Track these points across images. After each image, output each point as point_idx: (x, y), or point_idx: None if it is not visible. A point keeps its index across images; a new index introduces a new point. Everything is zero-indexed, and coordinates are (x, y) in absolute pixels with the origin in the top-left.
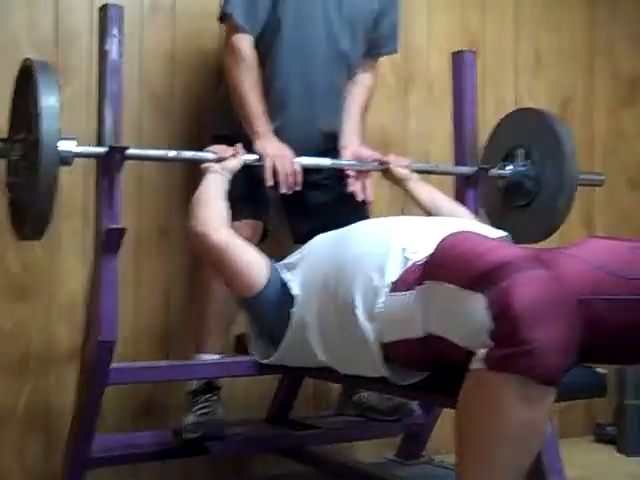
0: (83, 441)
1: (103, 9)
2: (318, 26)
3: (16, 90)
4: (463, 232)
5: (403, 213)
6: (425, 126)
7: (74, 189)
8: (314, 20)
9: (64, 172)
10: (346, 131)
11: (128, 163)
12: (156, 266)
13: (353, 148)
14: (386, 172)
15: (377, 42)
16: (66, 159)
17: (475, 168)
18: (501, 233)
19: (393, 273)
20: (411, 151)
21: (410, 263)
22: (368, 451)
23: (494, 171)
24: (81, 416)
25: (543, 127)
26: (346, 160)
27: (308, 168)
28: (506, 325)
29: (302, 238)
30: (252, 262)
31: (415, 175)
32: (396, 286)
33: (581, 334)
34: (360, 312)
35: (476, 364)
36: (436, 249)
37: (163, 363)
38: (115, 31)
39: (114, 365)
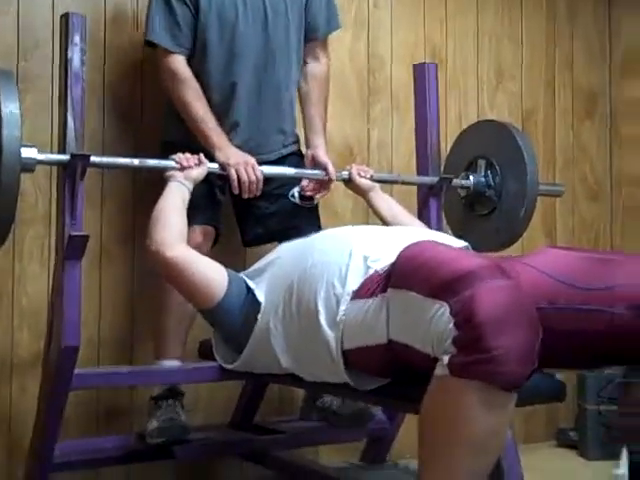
0: (46, 446)
1: (65, 17)
2: (247, 31)
3: None
4: (425, 241)
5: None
6: (388, 136)
7: (37, 194)
8: (239, 25)
9: (26, 177)
10: (310, 139)
11: (91, 168)
12: (119, 271)
13: (320, 157)
14: (349, 182)
15: (316, 25)
16: (28, 166)
17: (437, 178)
18: (461, 243)
19: (354, 281)
20: (374, 161)
21: (371, 271)
22: (332, 456)
23: (457, 181)
24: (44, 421)
25: (504, 138)
26: (310, 169)
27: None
28: (469, 333)
29: (252, 242)
30: (208, 275)
31: (377, 186)
32: (358, 294)
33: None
34: (323, 319)
35: (440, 370)
36: (398, 258)
37: (126, 369)
38: (77, 39)
39: (77, 370)
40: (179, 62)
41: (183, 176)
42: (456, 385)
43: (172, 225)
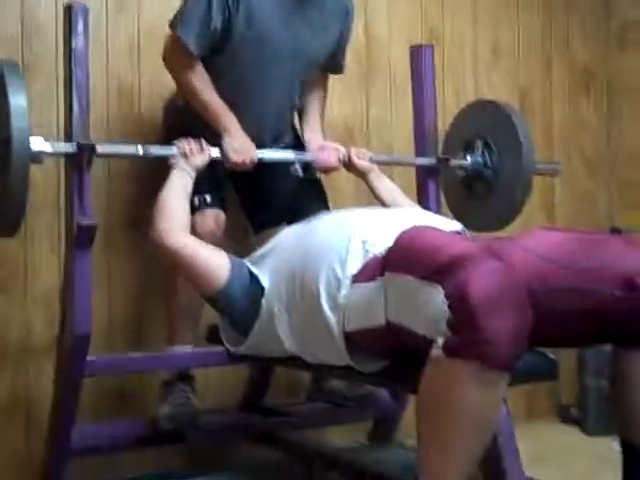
0: (63, 431)
1: (68, 8)
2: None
3: None
4: (421, 226)
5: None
6: (387, 116)
7: (47, 183)
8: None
9: (36, 166)
10: (309, 126)
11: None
12: (128, 258)
13: (317, 141)
14: (348, 164)
15: (330, 65)
16: (37, 157)
17: (435, 159)
18: (457, 226)
19: (354, 265)
20: (373, 141)
21: (370, 255)
22: (340, 436)
23: (454, 162)
24: (60, 407)
25: (500, 118)
26: (310, 154)
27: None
28: (462, 315)
29: (261, 228)
30: (210, 262)
31: (375, 167)
32: (357, 277)
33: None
34: (324, 302)
35: (435, 351)
36: (395, 242)
37: (137, 354)
38: (81, 28)
39: (89, 357)
40: (190, 57)
41: (186, 163)
42: (450, 365)
43: (174, 214)
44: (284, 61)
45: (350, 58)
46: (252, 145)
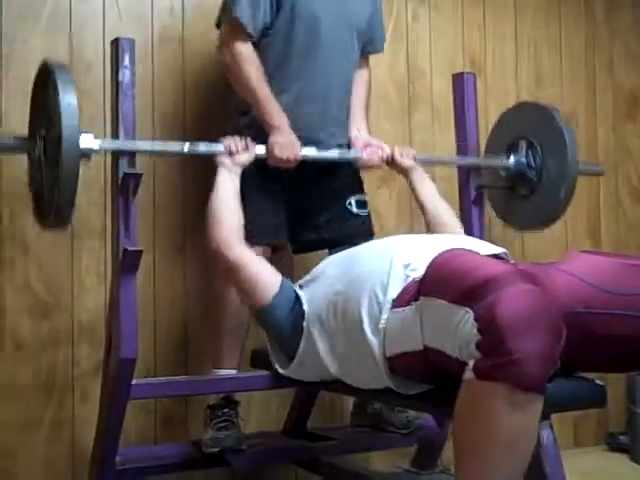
0: (107, 454)
1: (115, 42)
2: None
3: (35, 90)
4: (454, 249)
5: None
6: (429, 145)
7: (93, 210)
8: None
9: (81, 192)
10: (355, 122)
11: (142, 184)
12: (173, 282)
13: (363, 139)
14: (391, 162)
15: (370, 42)
16: (86, 153)
17: (478, 159)
18: (499, 249)
19: (395, 290)
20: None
21: (410, 280)
22: (383, 461)
23: (498, 162)
24: (105, 430)
25: (544, 119)
26: (354, 151)
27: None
28: (491, 337)
29: (302, 249)
30: (262, 275)
31: (419, 167)
32: (397, 302)
33: (570, 344)
34: (366, 326)
35: (467, 374)
36: (429, 266)
37: (182, 378)
38: (127, 62)
39: (135, 381)
40: (246, 41)
41: (231, 161)
42: (481, 388)
43: (230, 224)
44: (333, 32)
45: (393, 87)
46: (297, 142)
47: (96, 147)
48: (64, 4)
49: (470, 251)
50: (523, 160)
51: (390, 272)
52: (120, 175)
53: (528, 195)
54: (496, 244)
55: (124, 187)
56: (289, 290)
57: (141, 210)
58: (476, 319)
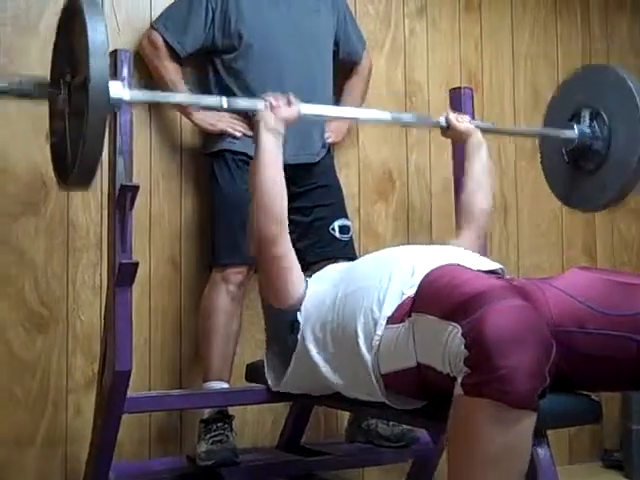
0: (101, 468)
1: (113, 54)
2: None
3: (59, 29)
4: (447, 265)
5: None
6: (427, 161)
7: (88, 224)
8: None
9: (78, 209)
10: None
11: (138, 198)
12: (167, 296)
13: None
14: (447, 129)
15: (347, 54)
16: (116, 103)
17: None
18: (495, 265)
19: (390, 307)
20: (413, 185)
21: (405, 297)
22: (378, 477)
23: (559, 133)
24: (99, 443)
25: (612, 84)
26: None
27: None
28: (478, 353)
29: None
30: (295, 279)
31: (478, 131)
32: (391, 320)
33: (564, 363)
34: (362, 342)
35: (456, 390)
36: (421, 283)
37: (176, 392)
38: (125, 74)
39: (130, 394)
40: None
41: (274, 119)
42: (469, 404)
43: (278, 211)
44: (290, 49)
45: (389, 101)
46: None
47: (127, 97)
48: None
49: (463, 267)
50: (587, 130)
51: (387, 289)
52: (117, 187)
53: (594, 170)
54: (492, 258)
55: (121, 199)
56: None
57: (138, 224)
58: (463, 335)
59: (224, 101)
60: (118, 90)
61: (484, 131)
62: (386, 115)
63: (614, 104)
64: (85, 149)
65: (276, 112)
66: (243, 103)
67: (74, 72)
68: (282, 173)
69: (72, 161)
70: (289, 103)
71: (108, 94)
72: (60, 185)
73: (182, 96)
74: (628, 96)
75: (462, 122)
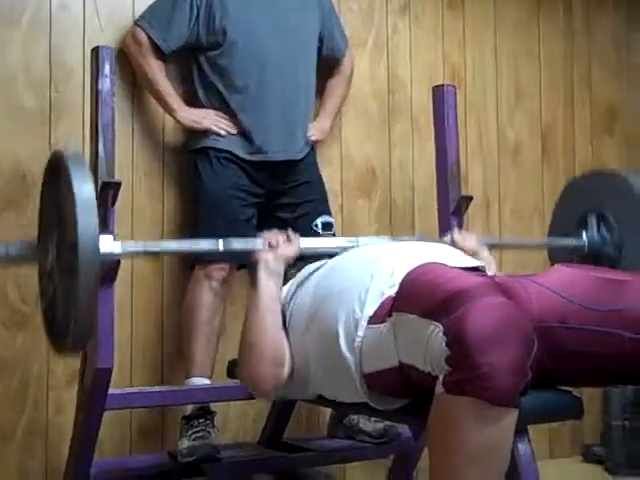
0: (82, 465)
1: (95, 50)
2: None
3: (44, 187)
4: (427, 264)
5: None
6: (410, 157)
7: None
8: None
9: None
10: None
11: (120, 191)
12: (149, 293)
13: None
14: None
15: (330, 51)
16: (107, 259)
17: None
18: (476, 262)
19: (371, 307)
20: (395, 181)
21: (386, 297)
22: (360, 473)
23: (569, 241)
24: (80, 441)
25: (618, 187)
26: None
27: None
28: (459, 351)
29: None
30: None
31: (484, 248)
32: (373, 319)
33: (546, 359)
34: (342, 343)
35: (438, 388)
36: (402, 282)
37: (157, 389)
38: (107, 70)
39: (111, 391)
40: (143, 35)
41: (273, 257)
42: (451, 402)
43: (271, 356)
44: (274, 46)
45: (372, 98)
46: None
47: (118, 251)
48: (44, 12)
49: (444, 265)
50: (596, 236)
51: (369, 288)
52: (99, 184)
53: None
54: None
55: (103, 196)
56: None
57: (119, 218)
58: (444, 333)
59: (220, 243)
60: (109, 246)
61: (490, 247)
62: (385, 238)
63: (619, 206)
64: (79, 313)
65: (277, 252)
66: (239, 245)
67: (62, 231)
68: (279, 317)
69: (65, 325)
70: (288, 239)
71: (98, 252)
72: (55, 350)
73: (176, 244)
74: (631, 196)
75: (468, 241)
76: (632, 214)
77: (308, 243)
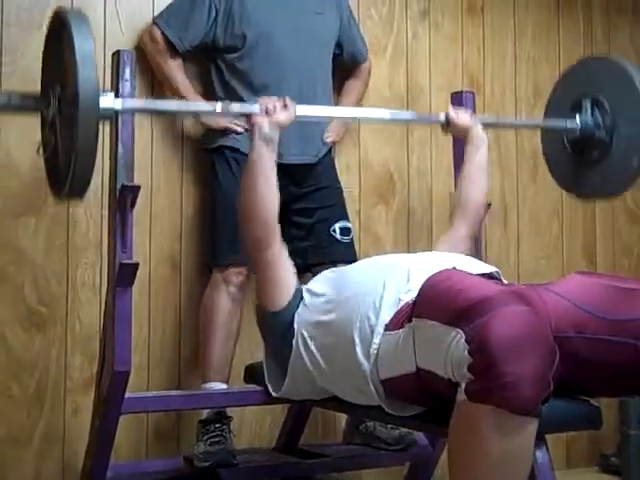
0: (99, 468)
1: (116, 54)
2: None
3: (48, 42)
4: (447, 270)
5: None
6: (428, 163)
7: (89, 222)
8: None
9: (79, 206)
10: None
11: (139, 196)
12: (167, 296)
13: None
14: (447, 125)
15: (351, 55)
16: (107, 113)
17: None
18: (491, 268)
19: (387, 313)
20: (414, 187)
21: (402, 303)
22: (375, 479)
23: (561, 123)
24: (97, 444)
25: (614, 73)
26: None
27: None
28: (482, 359)
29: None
30: (285, 281)
31: (479, 125)
32: (390, 326)
33: (562, 368)
34: (358, 349)
35: (459, 396)
36: (421, 288)
37: (174, 393)
38: (127, 74)
39: (128, 394)
40: (159, 33)
41: (268, 123)
42: (473, 410)
43: (266, 215)
44: (292, 49)
45: (392, 104)
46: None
47: (118, 107)
48: None
49: (463, 272)
50: (590, 120)
51: (383, 295)
52: (118, 187)
53: (597, 161)
54: (492, 263)
55: (122, 200)
56: (297, 303)
57: (138, 225)
58: (467, 341)
59: (218, 106)
60: (109, 100)
61: (486, 125)
62: (384, 113)
63: (615, 93)
64: (77, 161)
65: (272, 118)
66: (238, 107)
67: (64, 84)
68: (274, 179)
69: (65, 174)
70: (285, 106)
71: (98, 105)
72: (55, 197)
73: (175, 104)
74: (629, 83)
75: (462, 116)
76: (627, 101)
77: (304, 111)
